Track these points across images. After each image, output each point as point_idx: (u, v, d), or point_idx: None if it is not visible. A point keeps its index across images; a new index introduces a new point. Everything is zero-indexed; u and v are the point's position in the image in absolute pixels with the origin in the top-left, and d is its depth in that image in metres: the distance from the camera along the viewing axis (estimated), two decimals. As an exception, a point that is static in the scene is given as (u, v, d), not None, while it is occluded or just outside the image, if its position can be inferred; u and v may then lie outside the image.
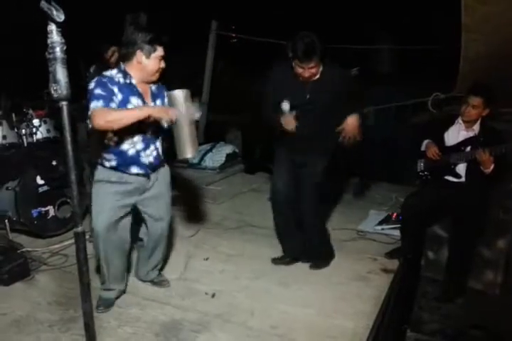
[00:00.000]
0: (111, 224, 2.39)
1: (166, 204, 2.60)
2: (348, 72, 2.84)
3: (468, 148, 3.06)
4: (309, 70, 2.61)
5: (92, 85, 2.18)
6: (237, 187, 4.93)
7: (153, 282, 2.85)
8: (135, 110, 2.19)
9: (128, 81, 2.26)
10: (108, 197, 2.36)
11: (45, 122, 3.72)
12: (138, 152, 2.34)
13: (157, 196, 2.52)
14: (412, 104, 5.57)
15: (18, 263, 2.85)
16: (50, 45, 1.29)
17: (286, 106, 2.66)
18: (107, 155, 2.33)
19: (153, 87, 2.38)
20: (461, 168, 3.10)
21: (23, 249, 3.16)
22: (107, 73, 2.26)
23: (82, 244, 1.48)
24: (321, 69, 2.68)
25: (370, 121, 7.18)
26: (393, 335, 2.90)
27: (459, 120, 3.11)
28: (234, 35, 6.36)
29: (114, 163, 2.33)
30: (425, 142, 3.28)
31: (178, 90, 2.24)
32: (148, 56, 2.22)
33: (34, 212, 3.34)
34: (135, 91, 2.28)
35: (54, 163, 3.47)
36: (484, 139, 2.99)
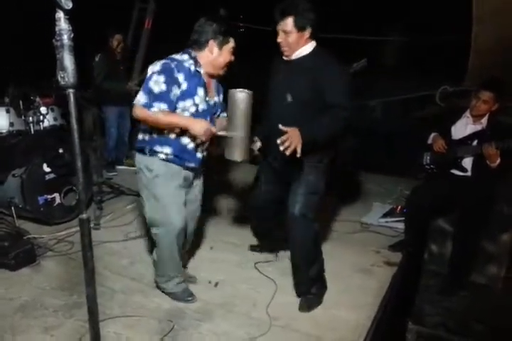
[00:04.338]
0: (184, 219, 2.37)
1: (200, 200, 2.61)
2: (340, 65, 2.41)
3: (475, 142, 3.04)
4: (284, 36, 2.32)
5: (156, 68, 2.11)
6: (242, 176, 4.93)
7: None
8: (174, 120, 2.13)
9: (197, 69, 2.20)
10: (175, 192, 2.32)
11: (52, 110, 3.74)
12: (197, 146, 2.29)
13: (196, 190, 2.54)
14: (420, 96, 5.52)
15: (24, 249, 2.88)
16: (58, 33, 1.28)
17: (256, 145, 2.58)
18: (163, 147, 2.25)
19: (215, 80, 2.35)
20: (468, 162, 3.09)
21: (30, 236, 3.18)
22: (178, 57, 2.18)
23: (87, 230, 1.49)
24: (308, 50, 2.38)
25: (376, 113, 7.16)
26: (395, 327, 2.91)
27: (467, 113, 3.09)
28: (241, 24, 6.30)
29: (170, 156, 2.25)
30: (432, 135, 3.27)
31: (241, 91, 2.12)
32: (220, 47, 2.20)
33: (40, 200, 3.37)
34: (202, 82, 2.22)
35: (60, 150, 3.49)
36: (491, 133, 2.97)
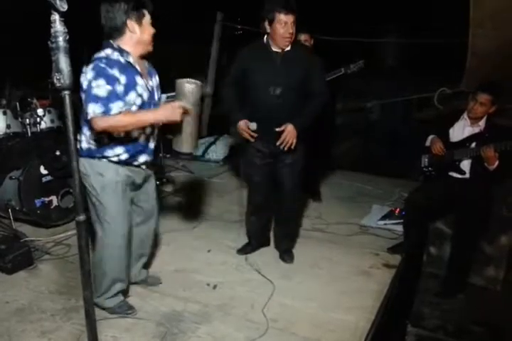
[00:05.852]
0: (130, 230, 2.32)
1: (156, 198, 2.51)
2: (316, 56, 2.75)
3: (473, 144, 3.04)
4: (292, 26, 2.53)
5: (89, 75, 1.96)
6: (240, 179, 4.93)
7: (146, 282, 2.75)
8: (141, 117, 2.06)
9: (127, 59, 2.07)
10: (123, 201, 2.24)
11: (49, 112, 3.72)
12: (147, 137, 2.22)
13: (149, 188, 2.45)
14: (418, 98, 5.53)
15: (21, 252, 2.87)
16: (53, 35, 1.28)
17: (253, 126, 2.65)
18: (114, 149, 2.15)
19: (146, 64, 2.23)
20: (466, 164, 3.09)
21: (27, 238, 3.17)
22: (101, 54, 2.03)
23: (83, 232, 1.48)
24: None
25: (375, 115, 7.18)
26: (394, 330, 2.90)
27: (465, 116, 3.08)
28: (239, 26, 6.30)
29: (124, 156, 2.17)
30: (430, 137, 3.26)
31: (189, 82, 2.12)
32: (140, 23, 2.06)
33: (37, 202, 3.35)
34: (136, 71, 2.11)
35: (57, 153, 3.46)
36: (489, 135, 2.97)
